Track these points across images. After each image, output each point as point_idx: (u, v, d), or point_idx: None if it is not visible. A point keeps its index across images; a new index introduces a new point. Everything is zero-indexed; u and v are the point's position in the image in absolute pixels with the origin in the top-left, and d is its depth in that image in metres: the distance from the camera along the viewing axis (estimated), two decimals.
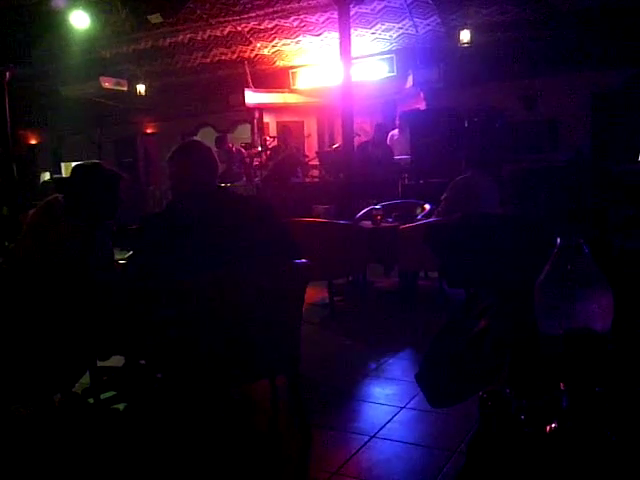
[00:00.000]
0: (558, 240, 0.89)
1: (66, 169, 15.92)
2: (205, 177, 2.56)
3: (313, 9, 9.18)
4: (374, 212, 5.53)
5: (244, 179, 9.74)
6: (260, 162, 9.14)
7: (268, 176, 8.50)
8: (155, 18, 6.94)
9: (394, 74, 10.26)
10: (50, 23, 8.46)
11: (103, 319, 2.58)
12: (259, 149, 9.54)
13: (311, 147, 11.06)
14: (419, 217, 5.54)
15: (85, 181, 2.82)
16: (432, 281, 5.70)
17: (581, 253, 0.87)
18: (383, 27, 9.59)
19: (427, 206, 5.66)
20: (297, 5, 9.06)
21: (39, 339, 2.43)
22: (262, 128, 10.98)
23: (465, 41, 8.89)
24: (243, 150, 10.12)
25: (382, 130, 8.11)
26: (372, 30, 9.68)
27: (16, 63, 9.12)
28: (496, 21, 8.97)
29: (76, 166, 2.92)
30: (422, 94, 9.81)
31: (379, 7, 9.01)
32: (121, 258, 3.36)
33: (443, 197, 5.07)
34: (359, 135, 8.13)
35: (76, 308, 2.53)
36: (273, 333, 2.53)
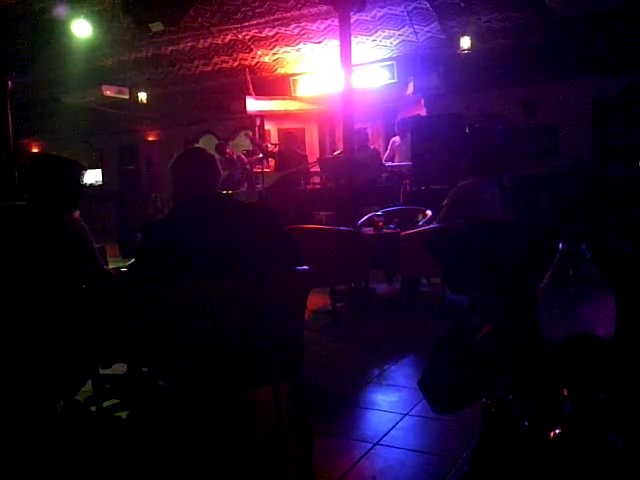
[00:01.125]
0: (560, 245, 0.89)
1: None
2: (208, 184, 2.56)
3: (313, 17, 9.21)
4: (376, 218, 5.53)
5: (245, 186, 9.76)
6: (262, 169, 9.15)
7: (274, 185, 8.53)
8: (156, 26, 6.96)
9: (395, 81, 10.29)
10: (52, 32, 8.50)
11: (105, 326, 2.59)
12: (260, 156, 9.56)
13: (313, 154, 11.08)
14: (421, 223, 5.55)
15: (44, 170, 2.84)
16: (434, 287, 5.70)
17: (583, 258, 0.87)
18: (383, 34, 9.63)
19: (429, 212, 5.67)
20: (298, 13, 9.10)
21: (41, 346, 2.43)
22: (263, 135, 11.01)
23: (465, 47, 8.92)
24: (244, 157, 10.14)
25: (362, 134, 8.10)
26: (372, 37, 9.72)
27: (18, 72, 9.15)
28: (496, 27, 9.00)
29: (34, 157, 2.98)
30: (423, 101, 9.84)
31: (379, 14, 9.04)
32: (123, 266, 3.36)
33: (444, 203, 5.07)
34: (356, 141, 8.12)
35: (76, 314, 2.53)
36: (275, 340, 2.53)
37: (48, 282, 2.54)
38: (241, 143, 12.26)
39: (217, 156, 2.79)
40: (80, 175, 2.94)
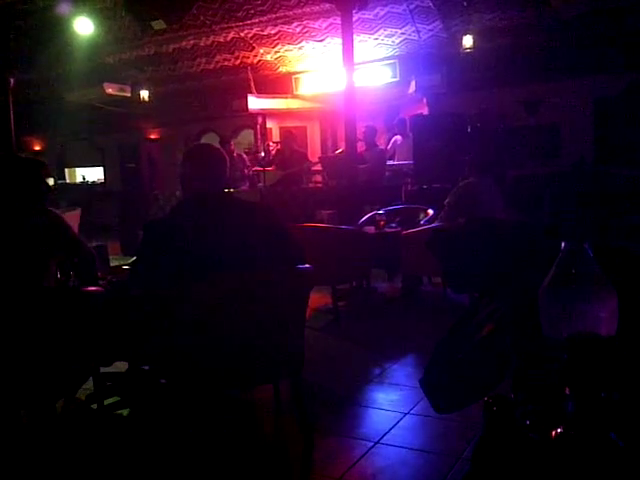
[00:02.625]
0: (563, 244, 0.88)
1: (70, 175, 16.00)
2: (212, 182, 2.56)
3: (316, 15, 9.21)
4: (377, 217, 5.53)
5: (247, 184, 9.76)
6: (262, 168, 9.15)
7: (276, 184, 8.53)
8: (158, 24, 6.96)
9: (397, 79, 10.28)
10: (54, 30, 8.50)
11: (104, 325, 2.59)
12: (262, 154, 9.57)
13: (314, 152, 11.08)
14: (422, 222, 5.54)
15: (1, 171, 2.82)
16: (435, 286, 5.69)
17: (586, 257, 0.87)
18: (386, 33, 9.62)
19: (430, 211, 5.66)
20: (300, 11, 9.09)
21: (42, 345, 2.43)
22: (265, 133, 11.00)
23: (467, 46, 8.91)
24: (245, 155, 10.13)
25: (371, 133, 8.09)
26: (375, 36, 9.71)
27: (20, 69, 9.15)
28: (498, 27, 8.99)
29: None
30: (425, 99, 9.82)
31: (382, 13, 9.03)
32: (125, 264, 3.37)
33: (446, 202, 5.07)
34: (362, 140, 8.12)
35: (75, 313, 2.53)
36: (276, 338, 2.53)
37: (43, 280, 2.54)
38: (243, 141, 12.25)
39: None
40: (41, 174, 2.90)
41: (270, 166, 8.90)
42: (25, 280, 2.59)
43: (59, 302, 2.57)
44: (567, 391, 0.85)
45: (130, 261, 3.04)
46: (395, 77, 10.31)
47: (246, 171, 9.85)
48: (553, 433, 0.87)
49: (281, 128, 10.93)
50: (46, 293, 2.59)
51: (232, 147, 10.03)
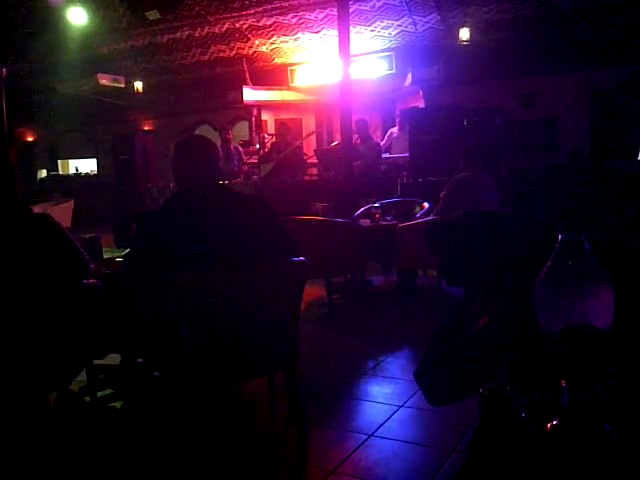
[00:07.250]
0: (559, 237, 0.88)
1: (63, 166, 15.91)
2: (205, 173, 2.54)
3: (312, 6, 9.16)
4: (373, 210, 5.52)
5: (242, 177, 9.72)
6: (258, 159, 9.11)
7: (270, 173, 8.50)
8: (153, 14, 6.91)
9: (393, 72, 10.25)
10: (47, 20, 8.43)
11: (99, 317, 2.57)
12: (257, 147, 9.53)
13: (309, 145, 11.05)
14: (418, 215, 5.53)
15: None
16: (431, 279, 5.70)
17: (582, 250, 0.86)
18: (382, 24, 9.58)
19: (426, 204, 5.65)
20: (296, 2, 9.04)
21: (34, 337, 2.41)
22: (260, 126, 10.96)
23: (464, 39, 8.88)
24: (240, 148, 10.09)
25: (363, 126, 8.05)
26: (371, 27, 9.67)
27: (13, 60, 9.09)
28: (495, 19, 8.96)
29: None
30: (421, 92, 9.80)
31: (378, 4, 8.99)
32: (119, 256, 3.35)
33: (442, 195, 5.06)
34: (355, 133, 8.10)
35: (70, 306, 2.51)
36: (271, 331, 2.52)
37: (39, 277, 2.51)
38: (238, 133, 12.19)
39: (219, 142, 2.76)
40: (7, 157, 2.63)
41: (266, 161, 8.87)
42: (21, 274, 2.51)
43: (53, 294, 2.55)
44: (563, 383, 0.85)
45: (124, 253, 3.02)
46: (391, 69, 10.27)
47: (241, 164, 9.81)
48: (549, 425, 0.86)
49: (276, 120, 10.89)
50: (41, 286, 2.57)
51: (229, 137, 9.95)
